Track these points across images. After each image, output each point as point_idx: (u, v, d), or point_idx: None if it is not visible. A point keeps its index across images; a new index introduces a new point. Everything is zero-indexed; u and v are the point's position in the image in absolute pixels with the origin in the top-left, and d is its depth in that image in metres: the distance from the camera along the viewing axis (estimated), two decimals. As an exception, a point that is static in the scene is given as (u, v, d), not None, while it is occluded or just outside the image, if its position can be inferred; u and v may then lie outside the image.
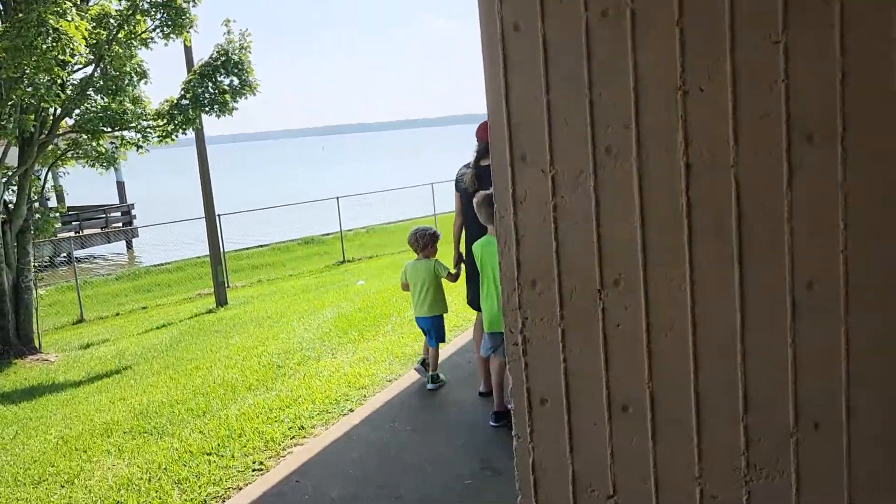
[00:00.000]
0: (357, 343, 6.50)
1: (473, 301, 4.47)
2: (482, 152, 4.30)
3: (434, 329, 4.91)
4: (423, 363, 5.05)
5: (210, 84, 10.80)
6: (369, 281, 12.37)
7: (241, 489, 3.80)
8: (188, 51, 12.01)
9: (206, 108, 11.00)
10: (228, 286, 15.39)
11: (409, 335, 6.37)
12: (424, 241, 4.84)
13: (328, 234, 22.10)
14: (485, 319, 4.10)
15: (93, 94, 10.70)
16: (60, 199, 17.68)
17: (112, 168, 12.25)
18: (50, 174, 13.02)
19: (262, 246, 21.95)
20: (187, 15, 10.57)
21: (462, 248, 4.68)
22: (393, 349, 5.99)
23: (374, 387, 5.08)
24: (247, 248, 21.64)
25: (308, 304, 10.46)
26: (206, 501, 3.70)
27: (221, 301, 13.53)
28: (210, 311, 12.93)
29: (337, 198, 18.89)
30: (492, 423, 4.24)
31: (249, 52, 10.83)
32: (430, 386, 4.94)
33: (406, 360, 5.61)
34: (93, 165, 11.69)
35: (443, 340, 5.08)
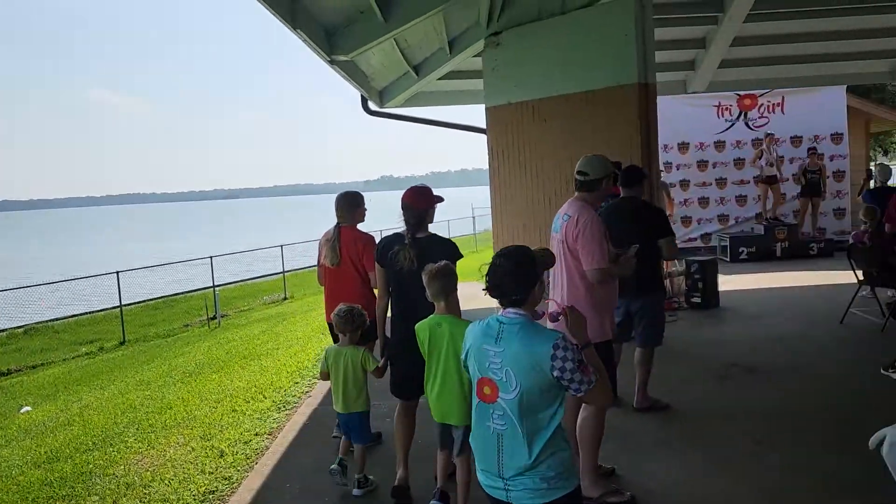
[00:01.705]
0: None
1: (403, 387, 4.06)
2: (417, 223, 3.93)
3: (358, 426, 4.23)
4: (341, 463, 4.21)
5: None
6: (39, 406, 9.25)
7: None
8: None
9: None
10: None
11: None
12: (357, 323, 4.17)
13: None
14: (436, 409, 3.66)
15: None
16: None
17: None
18: None
19: None
20: None
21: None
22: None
23: None
24: None
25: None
26: None
27: None
28: None
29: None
30: None
31: None
32: (356, 492, 4.17)
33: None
34: None
35: (370, 440, 4.43)
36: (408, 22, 7.18)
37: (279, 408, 6.07)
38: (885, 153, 35.12)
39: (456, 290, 3.57)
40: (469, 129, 11.44)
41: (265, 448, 5.09)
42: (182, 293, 23.29)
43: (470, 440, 2.63)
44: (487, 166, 10.13)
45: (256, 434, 5.43)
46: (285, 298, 20.59)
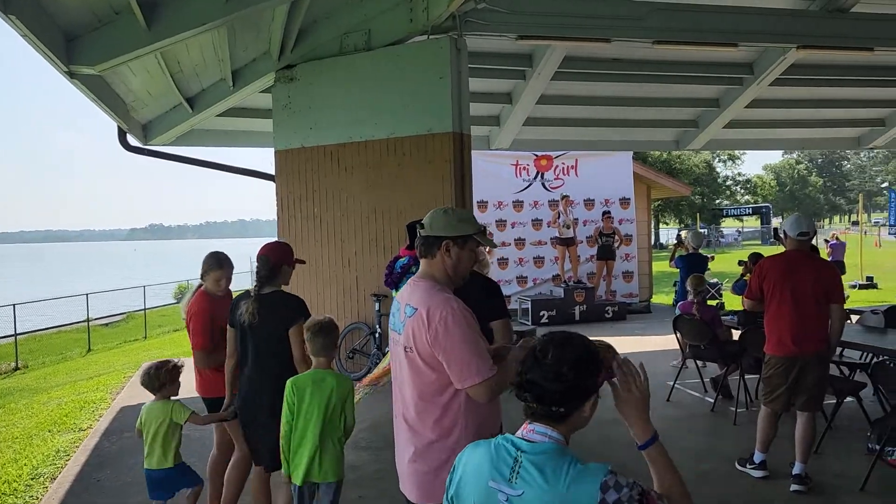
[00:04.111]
0: None
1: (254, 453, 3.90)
2: (267, 275, 3.73)
3: (175, 483, 3.99)
4: None
5: None
6: None
7: None
8: None
9: None
10: None
11: None
12: (161, 380, 3.97)
13: None
14: (299, 469, 3.31)
15: None
16: None
17: None
18: None
19: None
20: None
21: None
22: None
23: None
24: None
25: None
26: None
27: None
28: None
29: None
30: None
31: None
32: None
33: None
34: None
35: (193, 483, 4.07)
36: (179, 32, 5.63)
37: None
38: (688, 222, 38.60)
39: (336, 346, 3.50)
40: (254, 174, 9.89)
41: None
42: None
43: None
44: (275, 217, 8.70)
45: None
46: (17, 369, 16.94)
